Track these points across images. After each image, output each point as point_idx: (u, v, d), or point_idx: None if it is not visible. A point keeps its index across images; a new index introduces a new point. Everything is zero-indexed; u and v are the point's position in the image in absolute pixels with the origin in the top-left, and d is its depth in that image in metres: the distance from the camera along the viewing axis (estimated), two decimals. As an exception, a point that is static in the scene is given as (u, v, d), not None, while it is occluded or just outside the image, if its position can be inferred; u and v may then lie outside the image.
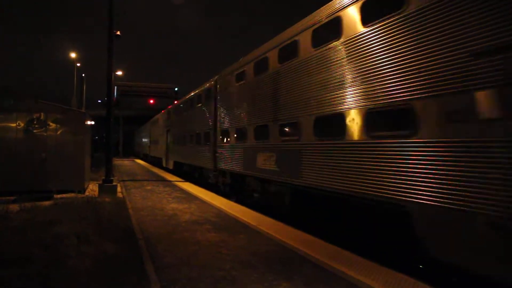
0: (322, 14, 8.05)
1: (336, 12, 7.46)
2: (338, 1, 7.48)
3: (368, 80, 6.49)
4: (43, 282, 4.61)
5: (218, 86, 15.35)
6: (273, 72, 10.04)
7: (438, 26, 5.28)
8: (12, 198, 11.23)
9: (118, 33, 15.14)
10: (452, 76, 5.03)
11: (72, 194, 11.95)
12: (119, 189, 14.14)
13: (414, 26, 5.64)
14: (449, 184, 4.96)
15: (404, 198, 5.60)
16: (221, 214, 9.74)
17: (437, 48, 5.27)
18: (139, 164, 36.59)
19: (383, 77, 6.14)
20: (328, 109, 7.57)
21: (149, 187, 15.84)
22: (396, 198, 5.74)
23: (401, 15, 5.88)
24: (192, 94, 20.16)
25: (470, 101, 4.78)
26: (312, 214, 8.74)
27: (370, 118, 6.46)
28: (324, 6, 8.04)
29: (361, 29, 6.76)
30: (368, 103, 6.45)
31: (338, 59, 7.31)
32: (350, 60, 7.01)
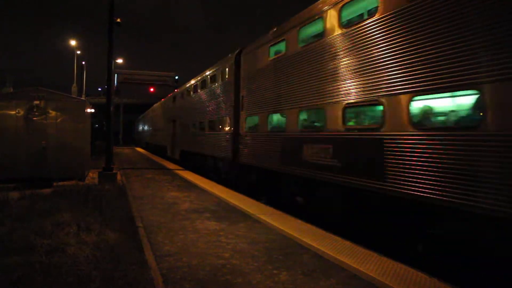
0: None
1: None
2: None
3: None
4: (44, 270, 4.62)
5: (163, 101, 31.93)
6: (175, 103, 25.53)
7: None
8: (12, 185, 11.24)
9: (119, 20, 14.97)
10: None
11: (72, 182, 11.96)
12: (119, 177, 14.16)
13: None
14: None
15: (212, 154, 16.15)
16: (221, 202, 9.75)
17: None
18: (139, 152, 36.62)
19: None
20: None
21: (149, 175, 15.86)
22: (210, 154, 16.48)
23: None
24: (155, 105, 37.17)
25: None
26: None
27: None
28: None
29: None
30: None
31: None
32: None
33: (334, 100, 7.56)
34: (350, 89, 7.12)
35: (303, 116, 8.97)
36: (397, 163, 5.86)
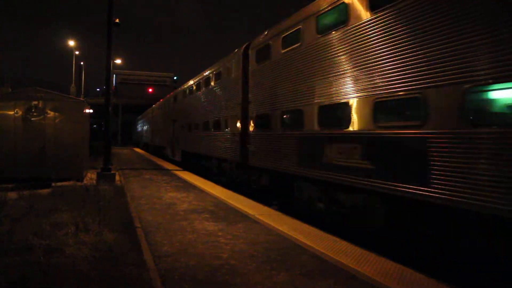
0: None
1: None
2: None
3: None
4: (43, 270, 4.61)
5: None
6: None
7: None
8: (10, 185, 11.21)
9: (117, 20, 14.98)
10: None
11: (71, 182, 11.94)
12: (117, 177, 14.14)
13: None
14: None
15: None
16: (219, 203, 9.75)
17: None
18: (138, 153, 36.58)
19: None
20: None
21: (147, 176, 15.85)
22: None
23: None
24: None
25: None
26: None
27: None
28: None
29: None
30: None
31: None
32: None
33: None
34: None
35: None
36: None
